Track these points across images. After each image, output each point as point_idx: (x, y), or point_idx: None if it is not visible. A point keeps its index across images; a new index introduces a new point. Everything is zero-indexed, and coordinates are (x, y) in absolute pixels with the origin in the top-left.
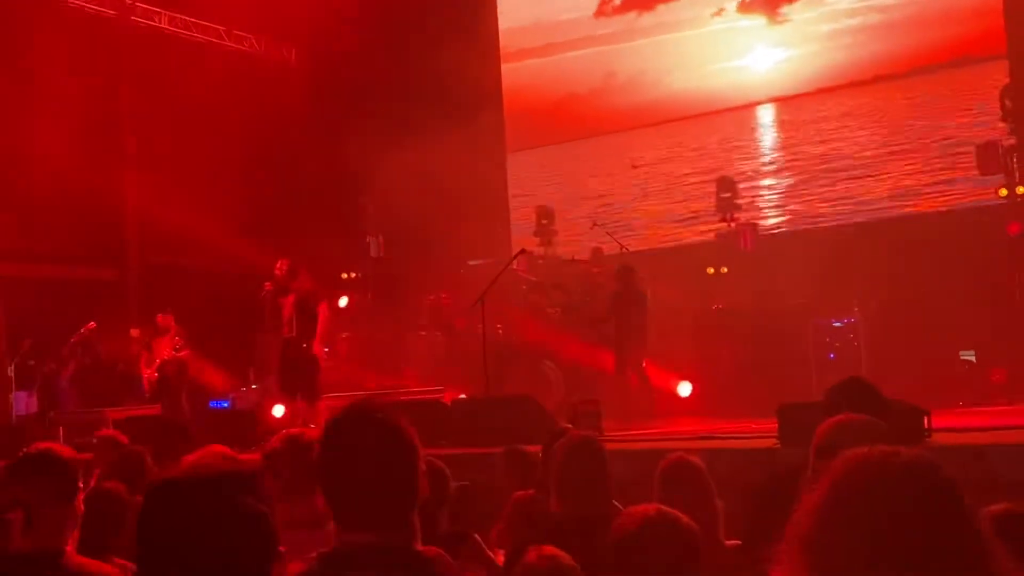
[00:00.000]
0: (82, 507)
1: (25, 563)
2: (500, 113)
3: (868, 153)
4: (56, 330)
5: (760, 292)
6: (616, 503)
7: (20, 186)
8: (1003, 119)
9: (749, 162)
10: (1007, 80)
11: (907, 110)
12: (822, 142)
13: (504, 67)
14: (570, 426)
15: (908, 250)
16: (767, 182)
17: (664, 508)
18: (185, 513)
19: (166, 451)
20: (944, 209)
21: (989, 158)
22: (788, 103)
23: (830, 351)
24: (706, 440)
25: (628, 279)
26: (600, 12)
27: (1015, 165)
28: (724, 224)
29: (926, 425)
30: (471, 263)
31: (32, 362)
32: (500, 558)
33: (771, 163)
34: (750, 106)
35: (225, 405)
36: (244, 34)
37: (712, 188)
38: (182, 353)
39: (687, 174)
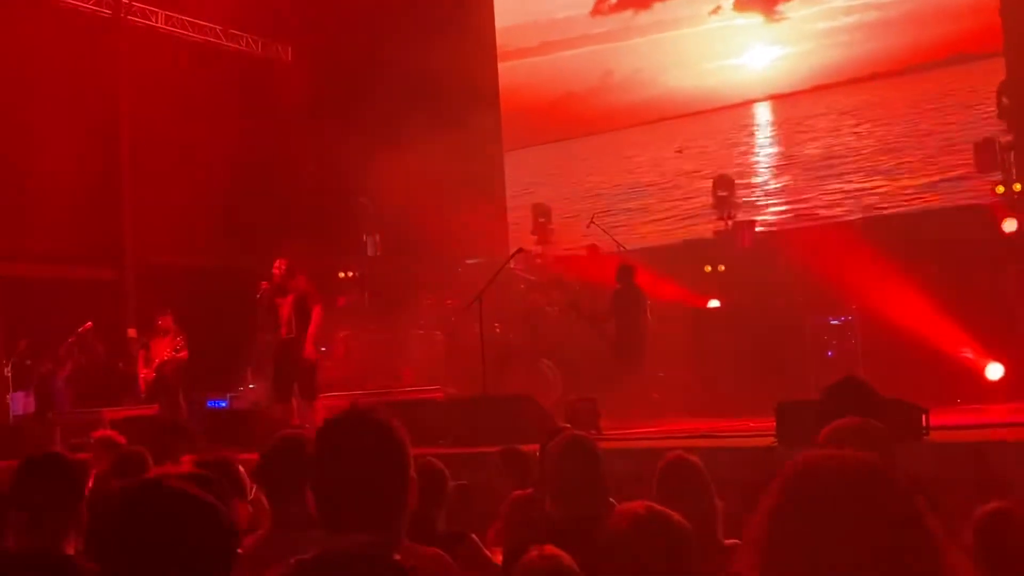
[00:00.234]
0: (84, 509)
1: (26, 564)
2: (497, 112)
3: (865, 150)
4: (53, 330)
5: (758, 290)
6: (613, 502)
7: (16, 186)
8: (1000, 116)
9: (746, 160)
10: (1004, 77)
11: (904, 107)
12: (819, 140)
13: (501, 65)
14: (568, 425)
15: (905, 247)
16: (764, 180)
17: (654, 506)
18: (140, 515)
19: (165, 451)
20: (941, 206)
21: (986, 155)
22: (785, 101)
23: (828, 349)
24: (704, 439)
25: (628, 278)
26: (596, 10)
27: (1012, 162)
28: (721, 222)
29: (924, 423)
30: (468, 262)
31: (29, 362)
32: (497, 557)
33: (768, 161)
34: (747, 104)
35: (223, 405)
36: (240, 33)
37: (709, 186)
38: (182, 354)
39: (684, 172)
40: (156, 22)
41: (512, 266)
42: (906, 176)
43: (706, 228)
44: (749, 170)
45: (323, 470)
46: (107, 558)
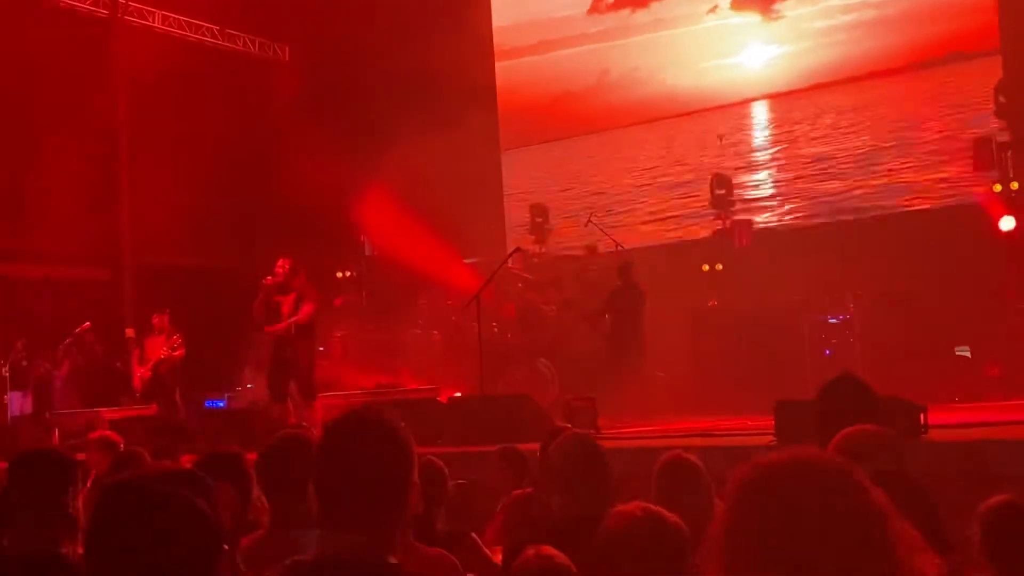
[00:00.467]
0: (82, 508)
1: (25, 564)
2: (494, 111)
3: (862, 149)
4: (50, 330)
5: (755, 289)
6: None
7: (14, 186)
8: (997, 115)
9: (743, 159)
10: (1001, 76)
11: (901, 106)
12: (816, 139)
13: (498, 65)
14: (568, 424)
15: (903, 246)
16: (761, 179)
17: (649, 506)
18: (127, 513)
19: (164, 451)
20: (939, 205)
21: (983, 154)
22: (782, 100)
23: (826, 347)
24: (703, 437)
25: (628, 275)
26: (594, 9)
27: (1009, 160)
28: (719, 221)
29: (923, 421)
30: (466, 261)
31: (26, 362)
32: (496, 556)
33: (765, 160)
34: (744, 103)
35: (220, 404)
36: (237, 33)
37: (706, 185)
38: (178, 352)
39: (682, 171)
40: (153, 22)
41: (510, 265)
42: (903, 174)
43: (704, 227)
44: (746, 169)
45: (327, 467)
46: (91, 557)
